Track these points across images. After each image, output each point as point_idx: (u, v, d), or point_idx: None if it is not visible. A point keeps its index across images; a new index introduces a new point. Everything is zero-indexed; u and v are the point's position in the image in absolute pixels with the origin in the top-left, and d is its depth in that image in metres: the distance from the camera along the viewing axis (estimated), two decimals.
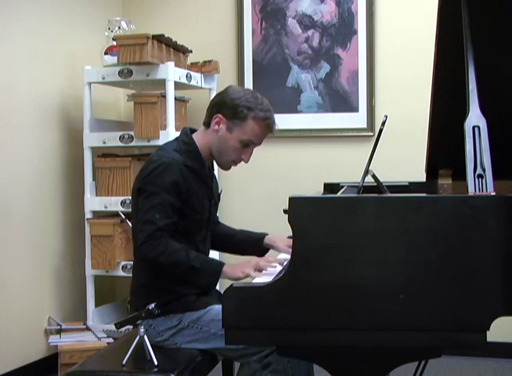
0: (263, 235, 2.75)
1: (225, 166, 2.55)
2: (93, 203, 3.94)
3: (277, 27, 4.35)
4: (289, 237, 2.79)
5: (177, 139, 2.56)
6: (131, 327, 2.77)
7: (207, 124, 2.51)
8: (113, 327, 3.72)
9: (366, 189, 2.37)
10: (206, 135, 2.51)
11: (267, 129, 2.48)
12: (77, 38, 4.16)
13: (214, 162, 2.60)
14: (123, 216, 3.86)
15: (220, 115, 2.45)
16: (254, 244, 2.72)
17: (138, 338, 2.26)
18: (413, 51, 4.10)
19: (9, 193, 3.63)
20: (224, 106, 2.45)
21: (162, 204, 2.35)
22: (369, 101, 4.19)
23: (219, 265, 2.38)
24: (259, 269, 2.36)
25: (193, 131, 2.57)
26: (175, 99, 3.89)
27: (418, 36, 4.04)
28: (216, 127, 2.47)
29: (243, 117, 2.43)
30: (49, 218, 3.94)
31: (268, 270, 2.37)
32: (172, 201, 2.36)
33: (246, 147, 2.49)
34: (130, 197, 3.74)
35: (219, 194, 2.70)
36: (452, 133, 2.07)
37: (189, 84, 4.03)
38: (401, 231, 1.74)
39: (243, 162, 2.54)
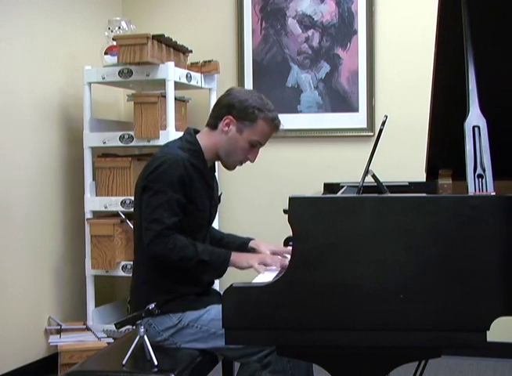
0: (248, 239, 2.77)
1: (230, 166, 2.59)
2: (93, 203, 3.94)
3: (277, 27, 4.35)
4: (288, 237, 2.81)
5: (180, 138, 2.58)
6: (131, 327, 2.77)
7: (212, 126, 2.54)
8: (113, 327, 3.72)
9: (366, 189, 2.37)
10: (212, 136, 2.53)
11: (275, 129, 2.54)
12: (77, 38, 4.16)
13: (218, 163, 2.62)
14: (123, 216, 3.86)
15: (230, 117, 2.48)
16: (239, 247, 2.72)
17: (138, 338, 2.26)
18: (413, 51, 4.10)
19: (9, 193, 3.63)
20: (233, 108, 2.47)
21: (168, 201, 2.36)
22: (369, 101, 4.19)
23: (226, 254, 2.41)
24: (264, 264, 2.38)
25: (197, 131, 2.59)
26: (175, 99, 3.89)
27: (418, 36, 4.04)
28: (226, 128, 2.49)
29: (254, 118, 2.47)
30: (49, 218, 3.94)
31: (271, 268, 2.38)
32: (178, 198, 2.38)
33: (253, 148, 2.53)
34: (130, 197, 3.78)
35: (219, 196, 2.71)
36: (452, 133, 2.07)
37: (189, 84, 4.03)
38: (401, 231, 1.74)
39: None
